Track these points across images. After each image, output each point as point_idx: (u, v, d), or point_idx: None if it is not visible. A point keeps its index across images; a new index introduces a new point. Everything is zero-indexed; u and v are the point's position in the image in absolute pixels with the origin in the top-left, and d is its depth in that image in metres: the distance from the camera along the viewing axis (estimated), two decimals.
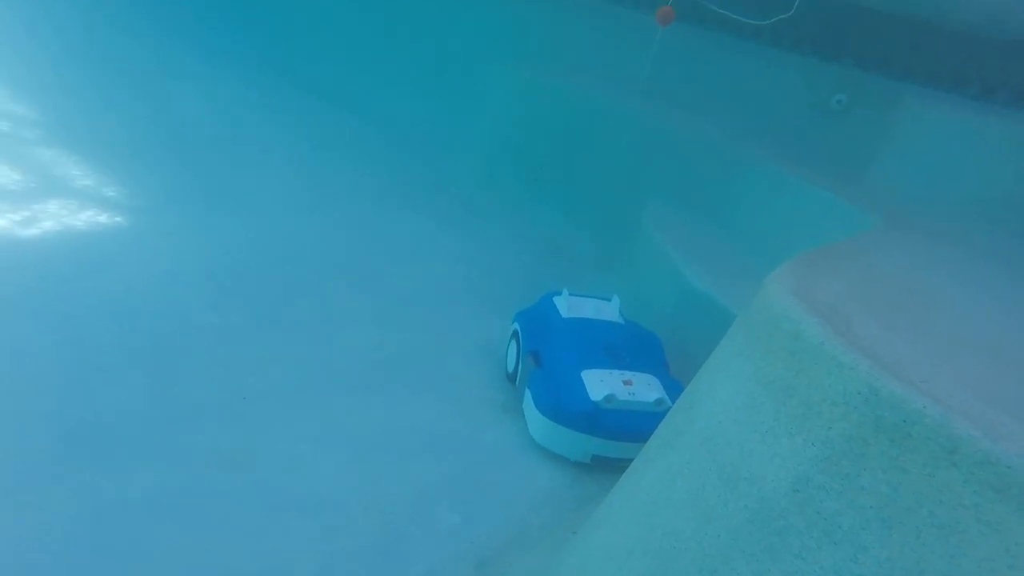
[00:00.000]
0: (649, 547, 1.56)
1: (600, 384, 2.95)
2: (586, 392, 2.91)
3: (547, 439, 2.98)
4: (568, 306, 3.49)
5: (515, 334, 3.50)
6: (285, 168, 5.64)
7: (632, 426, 2.84)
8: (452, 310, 4.06)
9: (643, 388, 2.96)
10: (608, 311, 3.52)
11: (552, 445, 2.98)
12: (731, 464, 1.44)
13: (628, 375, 3.04)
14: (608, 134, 5.57)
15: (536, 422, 3.01)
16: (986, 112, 4.49)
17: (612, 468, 2.84)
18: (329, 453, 2.76)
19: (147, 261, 3.84)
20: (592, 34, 6.39)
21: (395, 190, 5.74)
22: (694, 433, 1.59)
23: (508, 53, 6.65)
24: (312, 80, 8.15)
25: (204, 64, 7.97)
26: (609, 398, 2.87)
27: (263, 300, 3.72)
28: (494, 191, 6.03)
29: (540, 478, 2.92)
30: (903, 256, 2.52)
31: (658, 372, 3.15)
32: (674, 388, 3.02)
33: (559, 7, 6.62)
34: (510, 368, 3.50)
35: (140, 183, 4.79)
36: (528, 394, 3.10)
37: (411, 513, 2.56)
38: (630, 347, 3.28)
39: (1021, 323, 2.01)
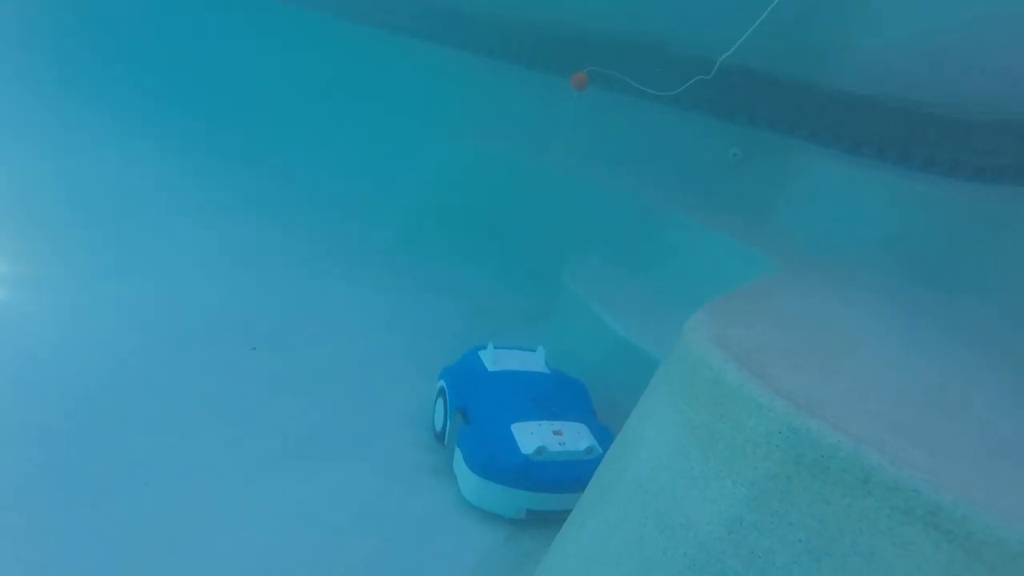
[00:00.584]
0: None
1: (530, 436, 2.92)
2: (517, 446, 2.87)
3: (479, 497, 2.91)
4: (494, 359, 3.48)
5: (441, 391, 3.44)
6: (199, 232, 5.41)
7: (565, 477, 2.82)
8: (378, 374, 3.95)
9: (573, 437, 2.96)
10: (533, 362, 3.54)
11: (485, 503, 2.91)
12: (667, 511, 1.46)
13: (558, 425, 3.02)
14: (529, 193, 5.77)
15: (467, 481, 2.93)
16: (864, 165, 4.99)
17: (548, 522, 2.80)
18: (247, 540, 2.55)
19: (46, 332, 3.54)
20: (513, 98, 6.67)
21: (316, 253, 5.62)
22: (627, 483, 1.61)
23: (431, 116, 6.83)
24: (228, 141, 7.97)
25: (111, 124, 7.67)
26: (540, 450, 2.84)
27: (174, 372, 3.48)
28: (418, 252, 6.03)
29: (475, 540, 2.82)
30: (806, 298, 2.71)
31: (587, 420, 3.17)
32: (603, 434, 3.05)
33: (481, 73, 6.89)
34: (438, 427, 3.43)
35: (39, 250, 4.45)
36: (458, 452, 3.04)
37: None
38: (558, 396, 3.29)
39: (918, 357, 2.19)
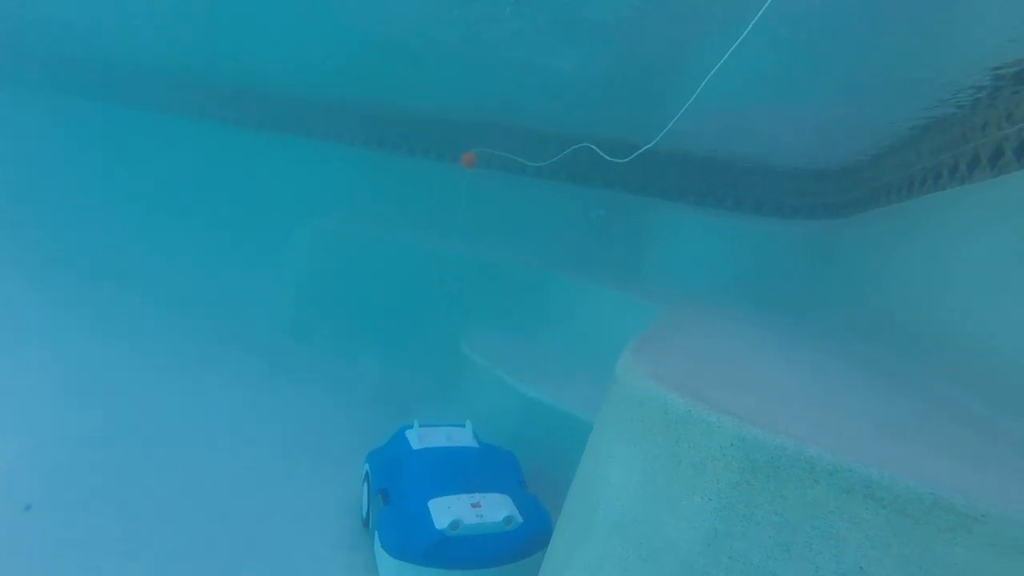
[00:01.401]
0: None
1: (447, 511, 2.85)
2: (432, 522, 2.80)
3: None
4: (419, 437, 3.45)
5: (366, 476, 3.33)
6: (49, 358, 4.81)
7: (483, 551, 2.73)
8: (285, 480, 3.69)
9: (492, 508, 2.90)
10: (461, 437, 3.55)
11: None
12: (645, 540, 1.57)
13: (478, 497, 2.99)
14: (412, 274, 5.86)
15: (386, 565, 2.79)
16: (708, 214, 5.71)
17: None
18: None
19: None
20: (384, 184, 6.84)
21: (197, 363, 5.21)
22: (600, 523, 1.70)
23: (301, 208, 6.77)
24: (80, 255, 7.28)
25: None
26: (455, 524, 2.76)
27: (46, 520, 3.02)
28: (304, 345, 5.83)
29: None
30: (699, 333, 3.05)
31: (511, 489, 3.14)
32: (529, 503, 3.05)
33: (351, 162, 7.02)
34: (364, 513, 3.29)
35: None
36: (376, 535, 2.93)
37: None
38: (482, 469, 3.27)
39: (797, 367, 2.55)
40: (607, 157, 3.67)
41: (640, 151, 3.22)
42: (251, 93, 7.38)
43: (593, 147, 3.74)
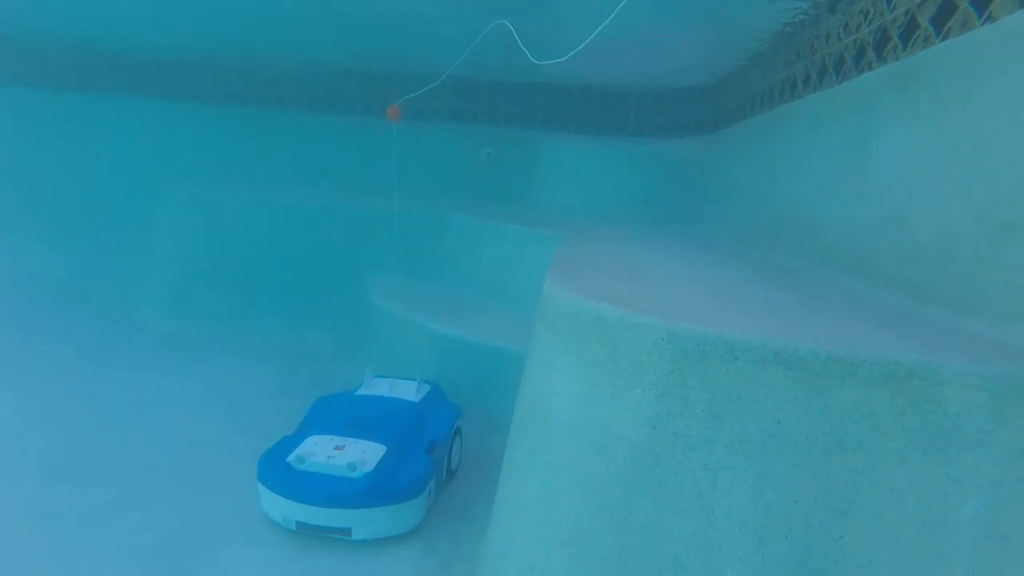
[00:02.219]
0: (563, 538, 1.77)
1: (312, 447, 2.97)
2: (287, 453, 2.95)
3: (264, 504, 2.94)
4: (366, 384, 3.60)
5: None
6: None
7: (325, 490, 2.80)
8: (213, 457, 3.56)
9: (350, 454, 2.93)
10: (403, 389, 3.56)
11: (267, 510, 2.94)
12: (597, 436, 1.75)
13: (348, 442, 3.02)
14: (311, 231, 5.65)
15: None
16: (591, 141, 5.93)
17: (458, 530, 2.96)
18: None
19: None
20: (249, 141, 6.41)
21: (92, 356, 4.78)
22: (554, 429, 1.87)
23: (181, 172, 6.23)
24: None
25: None
26: (300, 459, 2.88)
27: None
28: (200, 320, 5.51)
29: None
30: (606, 250, 3.26)
31: (400, 443, 3.10)
32: (409, 463, 3.00)
33: (209, 120, 6.48)
34: None
35: None
36: None
37: None
38: (383, 419, 3.26)
39: (697, 270, 2.83)
40: (528, 54, 3.49)
41: (572, 53, 3.16)
42: (91, 50, 6.54)
43: (513, 31, 3.53)
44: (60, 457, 3.45)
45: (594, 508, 1.73)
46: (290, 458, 2.91)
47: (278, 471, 2.90)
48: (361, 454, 2.93)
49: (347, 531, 2.82)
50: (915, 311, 2.09)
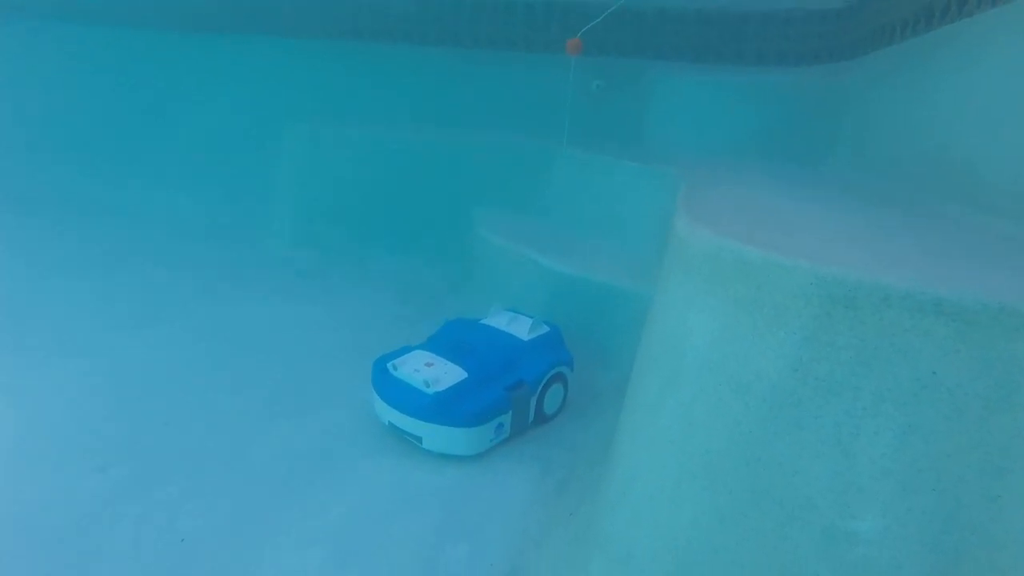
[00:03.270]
0: (694, 471, 1.84)
1: (407, 358, 3.36)
2: (389, 359, 3.37)
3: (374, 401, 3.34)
4: (490, 315, 3.87)
5: None
6: (81, 295, 4.88)
7: (402, 397, 3.14)
8: (344, 375, 3.89)
9: (436, 372, 3.22)
10: (518, 326, 3.70)
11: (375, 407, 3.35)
12: (735, 374, 1.78)
13: (439, 361, 3.33)
14: (415, 169, 5.82)
15: None
16: (708, 71, 5.60)
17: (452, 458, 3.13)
18: (307, 557, 2.57)
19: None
20: (361, 80, 6.58)
21: (220, 284, 5.29)
22: (690, 365, 1.91)
23: (285, 113, 6.55)
24: (73, 191, 7.15)
25: None
26: (395, 366, 3.28)
27: (141, 442, 3.25)
28: (321, 253, 5.91)
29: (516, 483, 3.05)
30: (734, 190, 3.16)
31: (482, 373, 3.25)
32: (479, 395, 3.15)
33: (321, 58, 6.68)
34: None
35: None
36: None
37: (422, 566, 2.54)
38: (479, 348, 3.45)
39: (836, 213, 2.70)
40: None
41: None
42: None
43: None
44: (218, 372, 3.93)
45: (729, 442, 1.78)
46: (389, 364, 3.31)
47: (379, 375, 3.32)
48: (442, 374, 3.22)
49: (418, 439, 3.15)
50: None
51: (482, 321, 3.82)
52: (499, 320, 3.75)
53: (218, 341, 4.32)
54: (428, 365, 3.30)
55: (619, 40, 6.05)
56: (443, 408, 3.06)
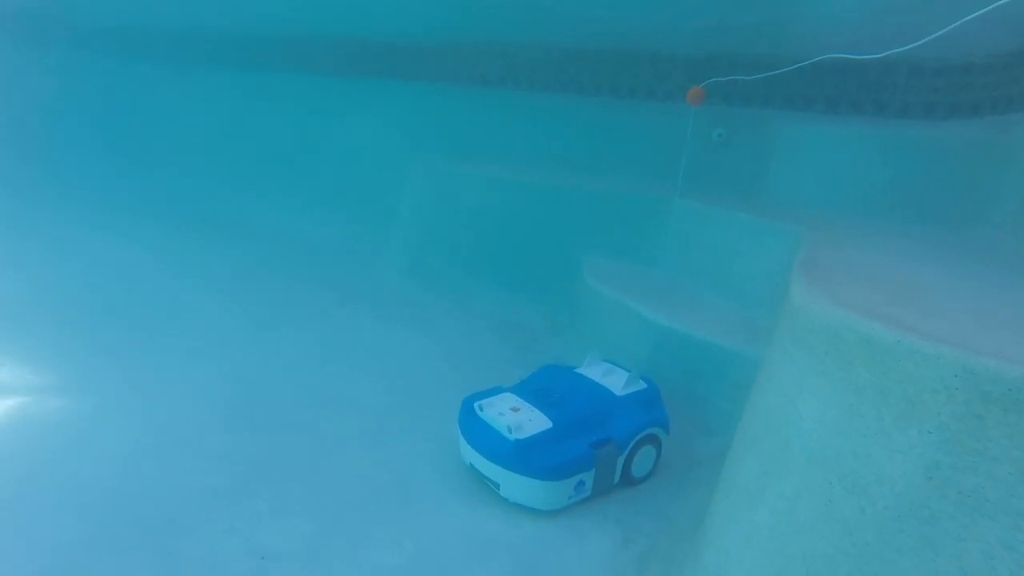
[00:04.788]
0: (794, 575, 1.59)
1: (495, 400, 3.30)
2: (477, 400, 3.31)
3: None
4: (586, 364, 3.72)
5: None
6: (200, 310, 5.32)
7: (483, 440, 3.07)
8: (435, 408, 3.91)
9: (520, 418, 3.11)
10: (614, 379, 3.51)
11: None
12: (851, 472, 1.53)
13: (526, 407, 3.23)
14: (528, 209, 5.86)
15: None
16: (842, 123, 5.21)
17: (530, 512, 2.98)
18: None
19: (91, 442, 3.44)
20: (490, 121, 6.80)
21: (330, 307, 5.58)
22: (797, 455, 1.67)
23: (410, 150, 6.89)
24: (213, 211, 7.99)
25: (62, 215, 7.73)
26: (481, 407, 3.21)
27: (239, 450, 3.43)
28: (428, 283, 6.06)
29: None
30: (863, 255, 2.84)
31: (567, 426, 3.10)
32: (561, 447, 3.00)
33: (453, 101, 7.01)
34: None
35: (42, 363, 4.32)
36: None
37: None
38: (568, 398, 3.30)
39: (985, 289, 2.33)
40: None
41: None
42: (351, 41, 7.47)
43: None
44: (319, 389, 4.10)
45: (837, 551, 1.52)
46: (476, 404, 3.24)
47: (465, 414, 3.26)
48: (526, 421, 3.09)
49: (496, 485, 3.04)
50: None
51: (577, 370, 3.67)
52: (594, 371, 3.59)
53: (322, 359, 4.53)
54: (514, 410, 3.21)
55: (746, 89, 5.81)
56: (522, 456, 2.95)
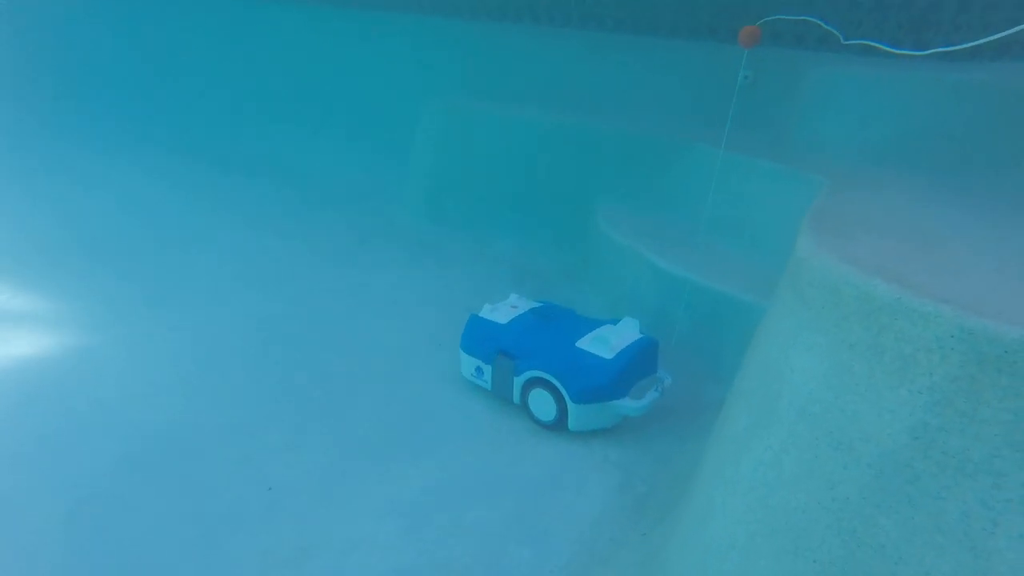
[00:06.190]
0: (774, 527, 1.60)
1: (499, 304, 3.88)
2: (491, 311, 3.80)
3: None
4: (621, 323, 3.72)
5: None
6: (224, 249, 5.40)
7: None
8: (448, 351, 3.97)
9: (504, 309, 3.78)
10: (626, 327, 3.58)
11: None
12: (838, 429, 1.51)
13: (524, 308, 3.80)
14: (544, 151, 5.72)
15: None
16: (890, 67, 4.91)
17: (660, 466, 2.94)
18: (381, 526, 2.65)
19: (120, 374, 3.60)
20: (510, 57, 6.56)
21: (349, 248, 5.61)
22: (785, 409, 1.66)
23: (425, 89, 6.73)
24: (225, 149, 7.96)
25: (93, 150, 7.74)
26: (488, 310, 3.76)
27: (258, 387, 3.55)
28: (445, 227, 6.03)
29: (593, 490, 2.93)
30: (880, 204, 2.72)
31: (518, 334, 3.52)
32: (498, 342, 3.47)
33: (468, 36, 6.76)
34: None
35: (73, 297, 4.46)
36: None
37: (484, 562, 2.51)
38: (549, 324, 3.63)
39: (1009, 241, 2.22)
40: None
41: None
42: None
43: None
44: (337, 330, 4.21)
45: (819, 506, 1.52)
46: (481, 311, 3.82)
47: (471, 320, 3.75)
48: (505, 310, 3.76)
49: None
50: None
51: (591, 317, 3.82)
52: (613, 327, 3.58)
53: (340, 302, 4.61)
54: (513, 307, 3.82)
55: (777, 26, 5.50)
56: (466, 329, 3.64)
